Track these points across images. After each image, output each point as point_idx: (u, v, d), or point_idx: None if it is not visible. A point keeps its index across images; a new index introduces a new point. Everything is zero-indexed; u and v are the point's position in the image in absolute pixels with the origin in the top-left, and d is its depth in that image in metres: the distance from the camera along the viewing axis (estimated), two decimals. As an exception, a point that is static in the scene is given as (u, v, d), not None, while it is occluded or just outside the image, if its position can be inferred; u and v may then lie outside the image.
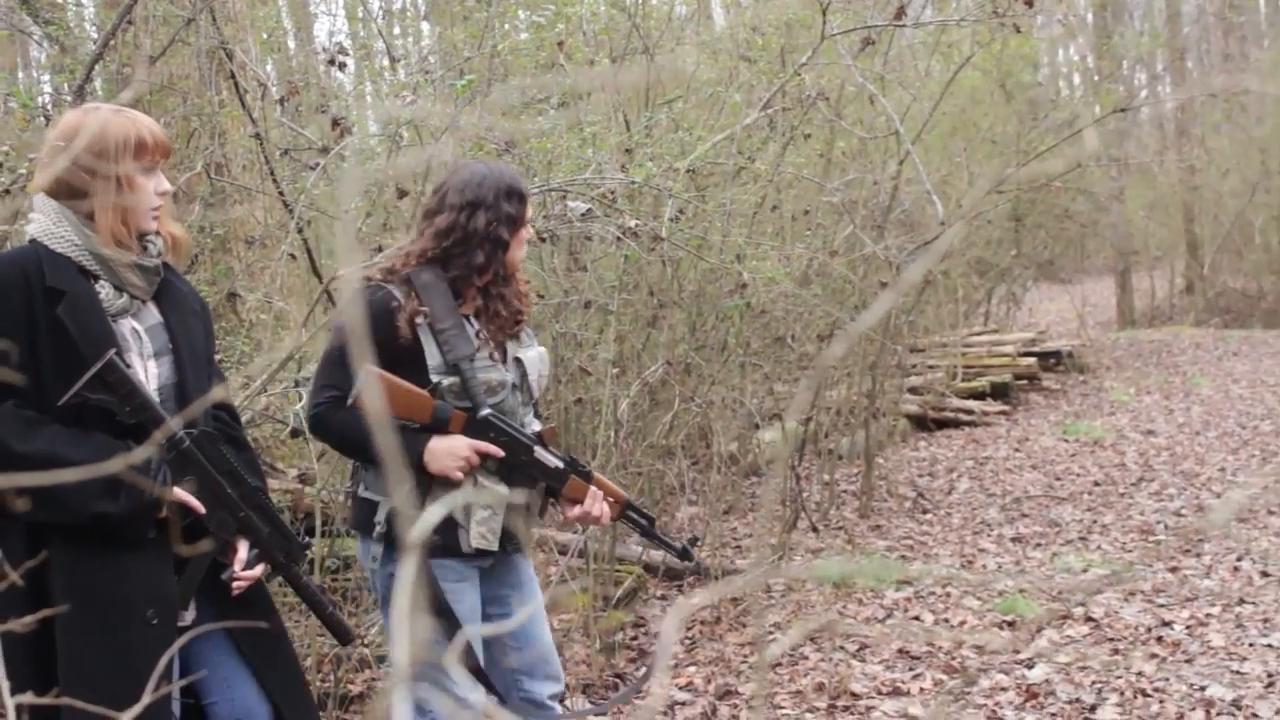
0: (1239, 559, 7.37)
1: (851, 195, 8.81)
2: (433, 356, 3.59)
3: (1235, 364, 16.44)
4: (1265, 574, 7.00)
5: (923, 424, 12.87)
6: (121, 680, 2.87)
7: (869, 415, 9.54)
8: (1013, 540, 8.22)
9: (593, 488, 3.83)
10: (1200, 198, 22.52)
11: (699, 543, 4.19)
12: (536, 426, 3.84)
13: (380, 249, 5.78)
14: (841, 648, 6.17)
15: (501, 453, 3.63)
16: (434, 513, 0.97)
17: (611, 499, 3.89)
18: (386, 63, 8.51)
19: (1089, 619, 6.36)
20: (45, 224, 2.97)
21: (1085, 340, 18.28)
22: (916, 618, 6.53)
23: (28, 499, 2.82)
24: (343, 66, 7.13)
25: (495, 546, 3.67)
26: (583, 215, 5.21)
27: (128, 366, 2.93)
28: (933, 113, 9.17)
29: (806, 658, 6.06)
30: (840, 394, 9.98)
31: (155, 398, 3.00)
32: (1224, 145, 22.66)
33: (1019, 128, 14.23)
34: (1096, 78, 18.87)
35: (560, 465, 3.77)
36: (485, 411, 3.61)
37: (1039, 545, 8.05)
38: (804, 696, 5.59)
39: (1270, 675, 5.44)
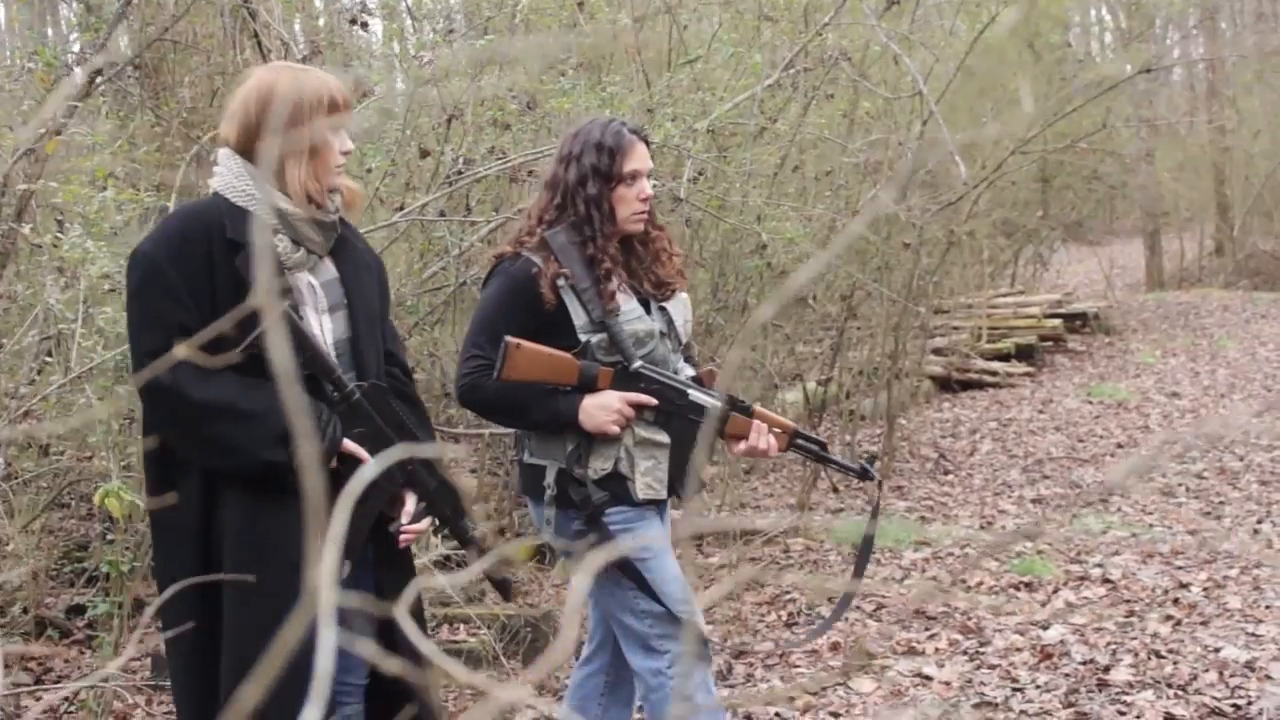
0: (1259, 522, 7.37)
1: (875, 156, 8.78)
2: (578, 316, 3.60)
3: (1263, 326, 16.36)
4: (1285, 537, 7.01)
5: (947, 385, 12.87)
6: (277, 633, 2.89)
7: (891, 376, 9.54)
8: (1033, 502, 8.23)
9: (756, 422, 3.79)
10: (1231, 159, 22.34)
11: (877, 461, 4.14)
12: (690, 372, 3.81)
13: (402, 207, 5.80)
14: (858, 607, 6.20)
15: (654, 401, 3.63)
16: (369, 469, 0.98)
17: (779, 429, 3.84)
18: (410, 22, 8.51)
19: (1106, 580, 6.37)
20: (228, 177, 3.04)
21: (1112, 302, 18.21)
22: (934, 578, 6.56)
23: (199, 445, 2.94)
24: (365, 26, 7.15)
25: (664, 495, 3.69)
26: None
27: (301, 320, 2.99)
28: (957, 72, 9.11)
29: (822, 617, 6.09)
30: (863, 355, 9.98)
31: (331, 356, 3.06)
32: (1255, 106, 22.47)
33: (1047, 88, 14.14)
34: (1127, 38, 18.73)
35: (718, 405, 3.74)
36: (636, 364, 3.62)
37: (1060, 507, 8.06)
38: (819, 655, 5.63)
39: (1285, 637, 5.45)
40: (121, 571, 4.80)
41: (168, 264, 2.91)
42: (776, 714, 5.02)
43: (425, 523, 3.25)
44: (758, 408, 3.84)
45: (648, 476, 3.65)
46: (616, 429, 3.58)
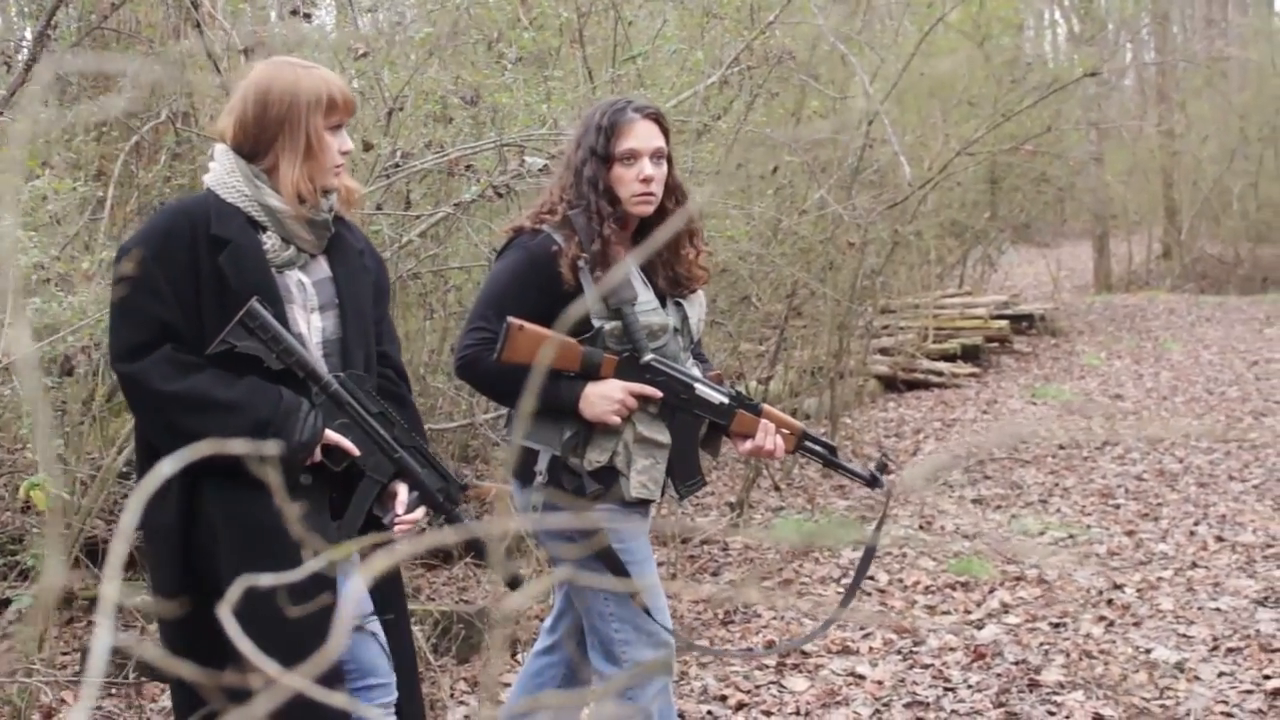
0: (1196, 523, 7.42)
1: (822, 155, 8.79)
2: (594, 300, 3.51)
3: (1207, 330, 16.51)
4: (1220, 538, 7.05)
5: (893, 385, 12.90)
6: (286, 646, 2.76)
7: (833, 375, 9.56)
8: (973, 502, 8.26)
9: (763, 421, 3.68)
10: (1179, 164, 22.54)
11: (888, 468, 4.01)
12: (697, 372, 3.70)
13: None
14: (794, 606, 6.20)
15: (659, 393, 3.53)
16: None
17: (786, 430, 3.73)
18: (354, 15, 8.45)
19: (1042, 581, 6.40)
20: (219, 173, 3.04)
21: (1059, 304, 18.32)
22: (871, 578, 6.56)
23: (176, 439, 2.86)
24: (307, 16, 7.09)
25: (657, 496, 3.60)
26: (540, 170, 5.19)
27: (282, 316, 2.97)
28: (903, 72, 9.14)
29: (759, 615, 6.10)
30: (809, 354, 9.99)
31: (317, 351, 3.05)
32: (1204, 111, 22.68)
33: (997, 90, 14.21)
34: (1079, 41, 18.84)
35: (725, 401, 3.64)
36: (647, 356, 3.53)
37: (999, 507, 8.09)
38: (754, 654, 5.63)
39: (1216, 639, 5.49)
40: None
41: (151, 260, 2.90)
42: (709, 712, 5.02)
43: (420, 512, 3.18)
44: (766, 407, 3.74)
45: (643, 475, 3.55)
46: (617, 420, 3.49)
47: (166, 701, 5.06)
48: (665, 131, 3.65)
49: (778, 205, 8.14)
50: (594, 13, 7.05)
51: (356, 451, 3.06)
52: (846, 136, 8.92)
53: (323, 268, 3.13)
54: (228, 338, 2.89)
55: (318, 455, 3.01)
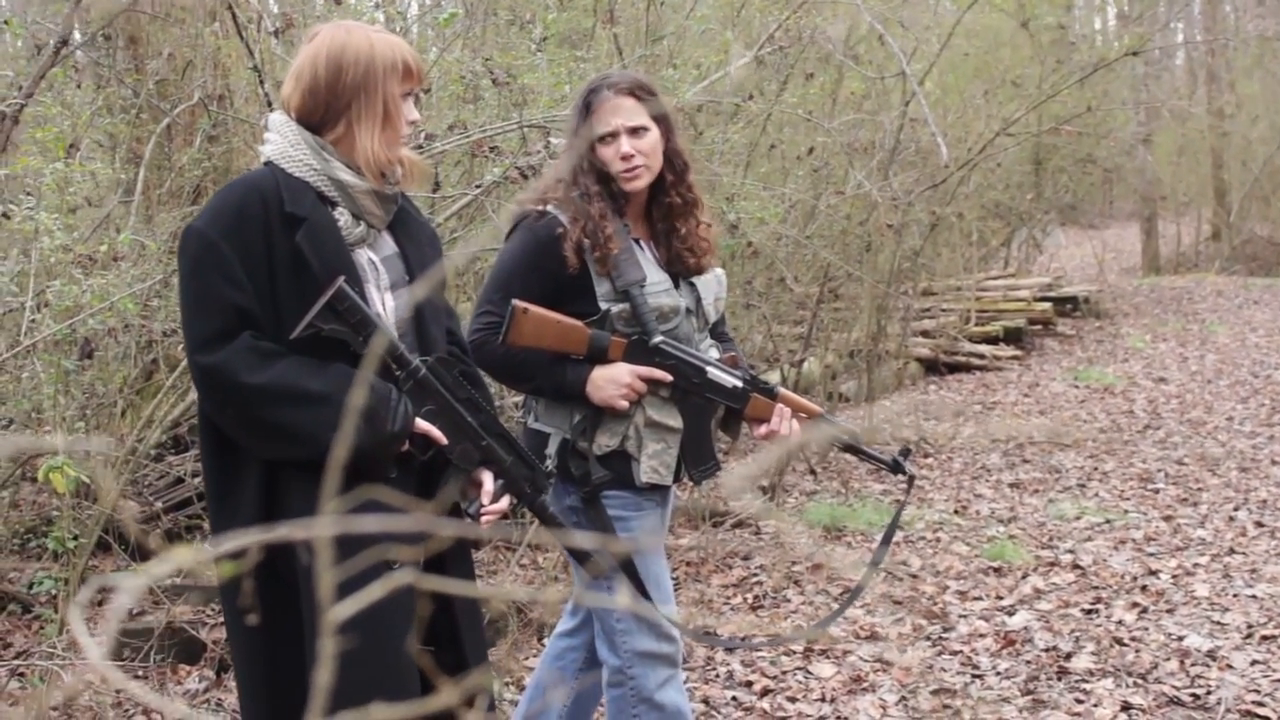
0: (1235, 509, 7.31)
1: (860, 137, 8.71)
2: (600, 283, 3.44)
3: (1255, 312, 16.31)
4: (1260, 524, 6.95)
5: (934, 368, 12.82)
6: (365, 628, 2.67)
7: (870, 358, 9.49)
8: (1010, 486, 8.18)
9: (779, 405, 3.59)
10: (1229, 144, 22.28)
11: (911, 455, 3.93)
12: (715, 354, 3.62)
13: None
14: (824, 591, 6.15)
15: (668, 377, 3.46)
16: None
17: (804, 414, 3.64)
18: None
19: (1076, 566, 6.33)
20: (282, 146, 2.85)
21: (1104, 286, 18.14)
22: (904, 562, 6.51)
23: (262, 434, 2.74)
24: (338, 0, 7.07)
25: (669, 481, 3.53)
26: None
27: (361, 296, 2.78)
28: (941, 51, 9.04)
29: (789, 600, 6.05)
30: (849, 336, 9.93)
31: (393, 331, 2.85)
32: (1254, 90, 22.41)
33: (1041, 70, 14.06)
34: (1128, 19, 18.63)
35: (739, 385, 3.55)
36: (656, 339, 3.45)
37: (1037, 491, 8.00)
38: (781, 639, 5.58)
39: (1250, 626, 5.40)
40: (68, 548, 4.75)
41: (223, 241, 2.72)
42: (734, 698, 4.98)
43: (505, 502, 3.02)
44: (783, 390, 3.65)
45: (654, 460, 3.49)
46: (625, 404, 3.43)
47: (193, 684, 5.06)
48: (647, 100, 3.52)
49: (813, 186, 8.06)
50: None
51: (445, 440, 2.90)
52: (885, 117, 8.84)
53: (388, 244, 2.96)
54: (314, 321, 2.69)
55: (406, 445, 2.86)
